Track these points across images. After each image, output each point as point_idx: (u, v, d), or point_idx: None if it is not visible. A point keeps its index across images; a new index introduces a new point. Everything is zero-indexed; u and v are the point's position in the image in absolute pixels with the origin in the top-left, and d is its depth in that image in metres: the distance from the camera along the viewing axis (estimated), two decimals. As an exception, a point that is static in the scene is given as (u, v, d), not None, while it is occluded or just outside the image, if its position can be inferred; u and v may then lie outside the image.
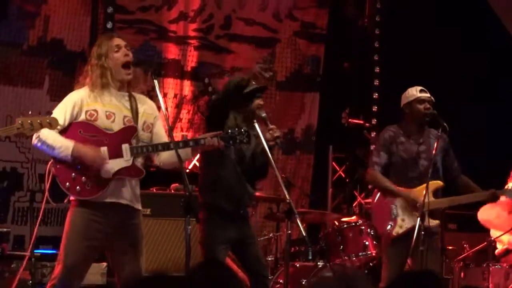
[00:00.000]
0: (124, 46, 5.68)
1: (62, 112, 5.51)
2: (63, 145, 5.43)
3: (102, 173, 5.48)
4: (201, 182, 6.35)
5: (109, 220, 5.51)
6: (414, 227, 6.57)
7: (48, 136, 5.43)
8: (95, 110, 5.54)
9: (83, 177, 5.46)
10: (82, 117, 5.52)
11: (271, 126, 6.13)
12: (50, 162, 5.53)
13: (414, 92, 6.83)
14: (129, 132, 5.58)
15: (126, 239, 5.56)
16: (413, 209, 6.64)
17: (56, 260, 5.58)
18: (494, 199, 6.89)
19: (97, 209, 5.50)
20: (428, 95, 6.83)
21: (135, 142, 5.59)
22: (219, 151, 5.85)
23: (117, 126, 5.56)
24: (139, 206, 5.67)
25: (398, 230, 6.69)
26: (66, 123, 5.50)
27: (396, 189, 6.74)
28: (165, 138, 5.75)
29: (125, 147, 5.53)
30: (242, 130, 5.64)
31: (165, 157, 5.70)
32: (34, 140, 5.47)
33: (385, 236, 6.83)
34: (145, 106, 5.73)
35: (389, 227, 6.71)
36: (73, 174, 5.46)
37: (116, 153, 5.51)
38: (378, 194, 6.86)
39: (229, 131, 5.64)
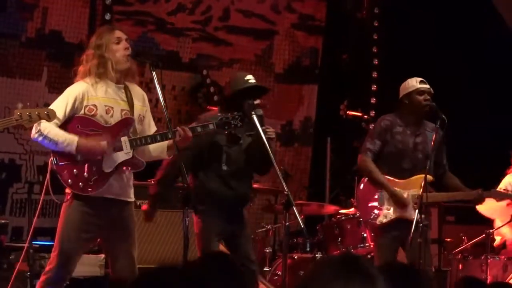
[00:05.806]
0: (124, 39, 5.66)
1: (63, 105, 5.48)
2: (67, 139, 5.40)
3: (104, 167, 5.48)
4: (194, 193, 6.28)
5: (103, 213, 5.52)
6: (398, 218, 6.59)
7: (50, 130, 5.39)
8: (94, 105, 5.52)
9: (85, 173, 5.45)
10: (82, 111, 5.50)
11: (265, 127, 6.05)
12: (50, 159, 5.50)
13: (414, 83, 6.76)
14: (126, 124, 5.57)
15: (119, 231, 5.58)
16: (399, 207, 6.61)
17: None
18: (479, 199, 6.78)
19: (92, 203, 5.50)
20: (428, 86, 6.77)
21: (131, 134, 5.59)
22: (202, 163, 5.89)
23: (115, 120, 5.56)
24: (132, 198, 5.67)
25: (382, 220, 6.63)
26: (66, 117, 5.47)
27: (386, 184, 6.65)
28: (153, 128, 5.78)
29: (124, 139, 5.52)
30: (235, 114, 5.65)
31: (148, 150, 5.70)
32: (35, 134, 5.42)
33: (369, 225, 6.82)
34: (138, 97, 5.73)
35: (373, 215, 6.68)
36: (75, 170, 5.45)
37: (116, 147, 5.51)
38: (365, 180, 6.79)
39: (223, 117, 5.66)
